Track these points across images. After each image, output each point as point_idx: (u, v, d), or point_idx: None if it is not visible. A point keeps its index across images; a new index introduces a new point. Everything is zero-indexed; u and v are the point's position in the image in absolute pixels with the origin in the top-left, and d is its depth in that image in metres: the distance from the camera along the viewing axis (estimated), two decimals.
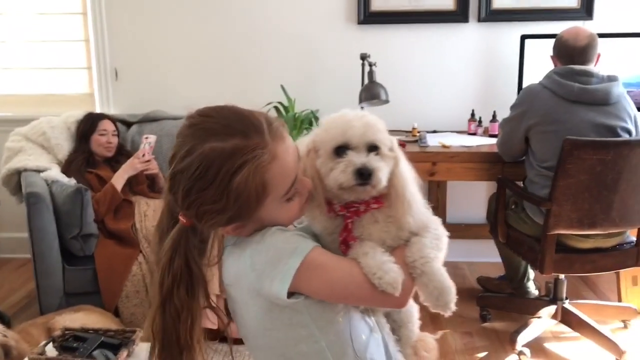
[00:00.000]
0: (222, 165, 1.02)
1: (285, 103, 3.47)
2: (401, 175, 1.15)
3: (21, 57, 3.83)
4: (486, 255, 3.66)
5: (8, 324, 3.09)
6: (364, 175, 1.08)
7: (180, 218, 1.10)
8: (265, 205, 1.07)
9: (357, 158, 1.09)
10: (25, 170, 3.03)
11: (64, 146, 3.22)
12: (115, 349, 1.94)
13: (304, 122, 3.35)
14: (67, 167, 3.10)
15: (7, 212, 3.67)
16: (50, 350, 1.96)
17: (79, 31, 3.76)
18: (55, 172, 2.99)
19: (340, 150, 1.11)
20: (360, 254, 1.09)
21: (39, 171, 3.00)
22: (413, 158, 2.87)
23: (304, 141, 1.19)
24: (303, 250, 1.05)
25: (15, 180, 3.07)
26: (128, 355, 1.95)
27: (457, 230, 3.71)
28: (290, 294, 1.05)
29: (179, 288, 1.10)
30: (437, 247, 1.13)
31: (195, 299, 1.12)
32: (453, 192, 3.73)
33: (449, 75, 3.65)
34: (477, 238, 3.69)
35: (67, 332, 2.03)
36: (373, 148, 1.12)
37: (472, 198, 3.72)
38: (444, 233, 1.18)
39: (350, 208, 1.15)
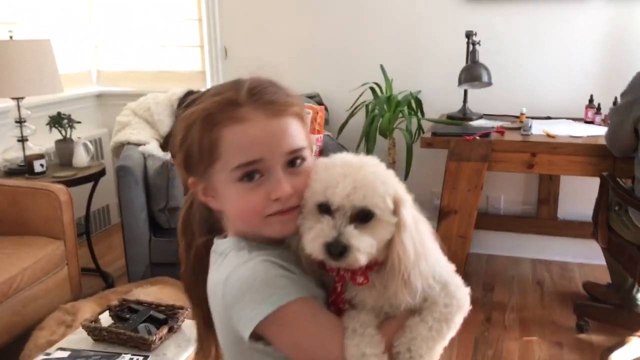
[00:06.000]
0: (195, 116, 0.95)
1: (383, 84, 3.33)
2: (402, 247, 0.91)
3: (140, 36, 4.06)
4: (601, 257, 3.28)
5: (112, 284, 3.36)
6: (333, 253, 0.88)
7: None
8: (216, 169, 0.94)
9: (330, 228, 0.88)
10: (128, 143, 3.21)
11: (166, 122, 3.36)
12: (161, 323, 1.99)
13: (400, 105, 3.18)
14: (166, 142, 3.24)
15: None
16: (106, 318, 2.06)
17: (193, 11, 3.90)
18: (152, 147, 3.13)
19: (324, 208, 0.91)
20: (349, 330, 0.91)
21: (139, 145, 3.16)
22: (511, 147, 2.71)
23: None
24: (278, 300, 0.89)
25: (121, 151, 3.27)
26: (172, 332, 2.00)
27: (569, 228, 3.40)
28: (258, 336, 0.92)
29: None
30: (439, 335, 0.93)
31: None
32: (567, 185, 3.38)
33: (566, 54, 3.27)
34: (591, 238, 3.30)
35: (124, 302, 2.12)
36: (366, 213, 0.89)
37: (587, 193, 3.30)
38: (459, 307, 0.95)
39: (339, 271, 0.96)
